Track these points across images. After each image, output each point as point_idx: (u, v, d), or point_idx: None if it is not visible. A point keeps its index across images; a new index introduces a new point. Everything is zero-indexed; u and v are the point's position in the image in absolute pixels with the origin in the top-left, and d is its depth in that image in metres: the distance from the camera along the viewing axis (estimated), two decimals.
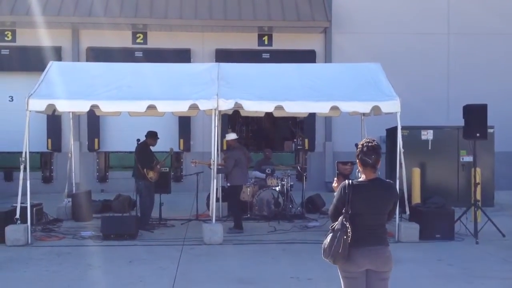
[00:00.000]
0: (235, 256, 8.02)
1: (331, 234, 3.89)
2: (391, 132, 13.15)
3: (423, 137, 12.68)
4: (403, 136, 12.59)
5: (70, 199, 11.58)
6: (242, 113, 11.53)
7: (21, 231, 8.72)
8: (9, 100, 17.07)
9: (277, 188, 11.55)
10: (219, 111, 9.16)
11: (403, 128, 12.59)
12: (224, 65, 10.09)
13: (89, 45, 16.82)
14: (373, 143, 3.97)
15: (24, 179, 8.94)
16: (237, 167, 9.73)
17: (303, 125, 17.66)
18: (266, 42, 17.09)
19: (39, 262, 7.62)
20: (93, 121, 16.64)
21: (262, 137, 19.76)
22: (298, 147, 17.80)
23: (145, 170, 9.83)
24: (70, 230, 9.98)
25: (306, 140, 17.44)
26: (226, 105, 8.93)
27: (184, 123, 16.54)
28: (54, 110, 9.87)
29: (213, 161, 8.96)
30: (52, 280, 6.62)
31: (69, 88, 9.22)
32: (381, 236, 3.97)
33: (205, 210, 11.54)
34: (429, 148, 12.53)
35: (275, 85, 9.51)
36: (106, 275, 6.88)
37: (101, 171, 17.14)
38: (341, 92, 9.20)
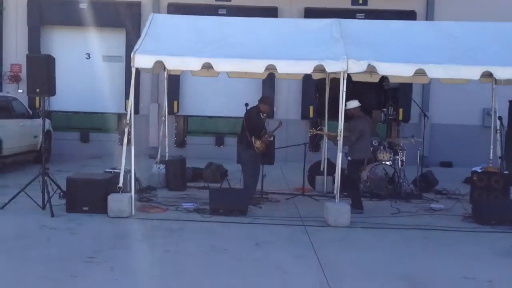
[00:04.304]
0: (374, 243, 6.90)
1: None
2: None
3: None
4: None
5: (162, 166, 10.70)
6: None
7: (125, 201, 7.85)
8: (86, 58, 16.31)
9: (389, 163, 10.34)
10: (346, 74, 7.85)
11: None
12: (346, 22, 8.84)
13: (170, 0, 15.80)
14: None
15: (130, 143, 8.01)
16: (360, 139, 8.54)
17: (397, 94, 16.23)
18: (360, 1, 15.66)
19: (154, 239, 6.72)
20: (172, 82, 15.66)
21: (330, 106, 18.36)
22: (390, 117, 16.43)
23: (252, 138, 8.76)
24: (168, 201, 9.12)
25: (401, 110, 16.06)
26: (358, 67, 7.68)
27: (268, 87, 15.40)
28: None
29: (340, 131, 7.78)
30: (181, 265, 5.66)
31: (176, 44, 8.19)
32: None
33: (302, 184, 10.49)
34: None
35: (410, 45, 8.19)
36: (238, 262, 5.88)
37: (180, 136, 16.31)
38: (492, 55, 7.82)
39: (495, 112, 10.07)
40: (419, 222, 8.13)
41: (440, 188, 11.03)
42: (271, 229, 7.42)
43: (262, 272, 5.54)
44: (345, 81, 7.70)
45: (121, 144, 16.19)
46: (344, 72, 7.69)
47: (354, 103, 8.66)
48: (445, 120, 15.56)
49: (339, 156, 7.84)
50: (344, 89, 7.73)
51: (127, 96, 15.95)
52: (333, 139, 8.42)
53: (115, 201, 7.81)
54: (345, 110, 8.05)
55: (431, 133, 15.47)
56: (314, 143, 14.30)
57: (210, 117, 16.32)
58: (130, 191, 8.12)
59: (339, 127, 7.78)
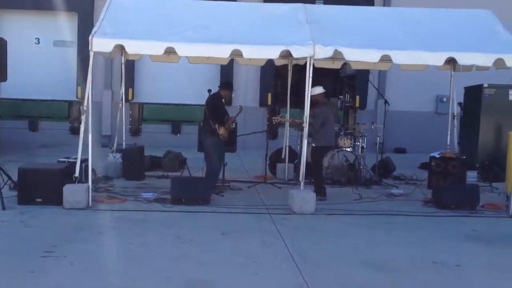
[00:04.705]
0: (341, 230, 6.84)
1: None
2: (472, 91, 11.91)
3: (511, 97, 11.39)
4: (487, 95, 11.46)
5: (118, 155, 10.33)
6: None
7: (82, 192, 7.50)
8: (36, 43, 15.58)
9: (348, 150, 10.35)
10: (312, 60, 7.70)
11: (489, 86, 11.45)
12: (311, 6, 8.74)
13: None
14: None
15: (86, 131, 7.64)
16: (324, 126, 8.46)
17: (354, 81, 16.33)
18: None
19: (116, 231, 6.42)
20: (126, 68, 15.21)
21: (300, 93, 18.36)
22: (347, 104, 16.53)
23: (216, 125, 8.55)
24: (127, 191, 8.80)
25: (357, 97, 16.18)
26: (324, 53, 7.58)
27: (226, 74, 15.17)
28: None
29: (306, 118, 7.67)
30: (147, 258, 5.41)
31: (137, 27, 7.85)
32: None
33: (262, 172, 10.40)
34: None
35: (375, 31, 8.16)
36: (206, 253, 5.67)
37: (134, 124, 15.88)
38: (455, 41, 7.88)
39: (453, 99, 10.24)
40: (382, 208, 8.18)
41: (398, 174, 11.17)
42: (237, 218, 7.25)
43: (232, 263, 5.36)
44: (311, 67, 7.58)
45: (72, 132, 15.76)
46: (310, 58, 7.56)
47: (318, 89, 8.57)
48: (399, 107, 15.75)
49: (305, 142, 7.73)
50: (311, 75, 7.61)
51: (78, 83, 15.45)
52: (299, 126, 8.30)
53: (71, 192, 7.45)
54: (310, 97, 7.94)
55: (386, 119, 15.64)
56: (272, 131, 14.23)
57: (167, 104, 15.98)
58: (86, 181, 7.77)
59: (305, 114, 7.66)
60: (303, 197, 7.59)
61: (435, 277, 5.11)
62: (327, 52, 7.55)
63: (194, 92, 15.14)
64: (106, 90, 15.62)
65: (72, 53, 15.41)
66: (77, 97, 15.31)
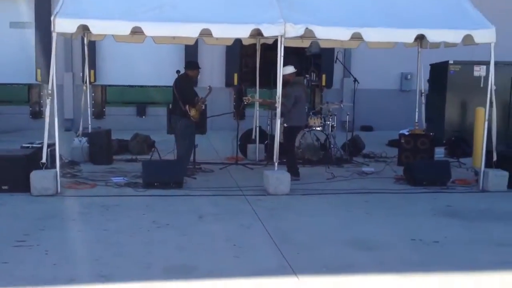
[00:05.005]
0: (318, 210, 6.84)
1: None
2: (438, 68, 12.05)
3: (476, 74, 11.56)
4: (453, 71, 11.61)
5: (84, 139, 10.05)
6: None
7: (50, 178, 7.25)
8: None
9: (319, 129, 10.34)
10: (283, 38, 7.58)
11: (454, 63, 11.59)
12: None
13: None
14: None
15: (52, 115, 7.35)
16: (296, 106, 8.39)
17: (320, 60, 16.30)
18: None
19: (89, 218, 6.23)
20: (88, 49, 14.79)
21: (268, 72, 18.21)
22: (313, 83, 16.51)
23: (187, 107, 8.38)
24: (95, 176, 8.59)
25: (324, 76, 16.18)
26: (295, 31, 7.46)
27: (191, 54, 14.91)
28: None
29: (279, 97, 7.58)
30: (124, 245, 5.27)
31: (102, 6, 7.51)
32: None
33: (232, 153, 10.34)
34: (481, 85, 11.37)
35: (344, 8, 8.05)
36: (185, 237, 5.57)
37: (97, 107, 15.48)
38: (424, 18, 7.88)
39: (420, 76, 10.32)
40: (355, 186, 8.23)
41: (368, 151, 11.26)
42: (212, 201, 7.16)
43: (212, 247, 5.27)
44: (282, 46, 7.47)
45: (33, 117, 15.25)
46: (281, 37, 7.45)
47: (289, 69, 8.47)
48: (365, 85, 15.81)
49: (278, 123, 7.65)
50: (282, 54, 7.51)
51: (38, 65, 14.92)
52: (270, 106, 8.21)
53: (38, 178, 7.20)
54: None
55: (351, 98, 15.74)
56: (240, 111, 14.12)
57: (131, 86, 15.61)
58: (53, 167, 7.51)
59: (277, 93, 7.57)
60: (278, 177, 7.54)
61: (416, 254, 5.15)
62: (298, 30, 7.45)
63: (159, 73, 14.86)
64: (67, 73, 15.16)
65: (30, 34, 14.82)
66: (36, 79, 14.79)
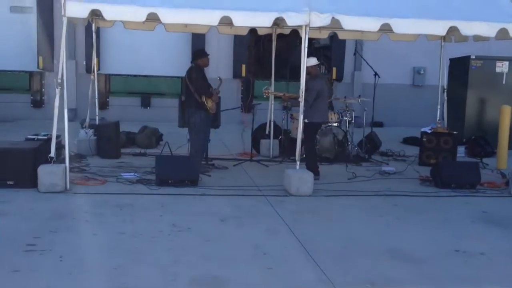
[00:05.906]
0: (345, 214, 6.42)
1: None
2: (459, 63, 11.61)
3: (498, 70, 11.14)
4: (474, 67, 11.17)
5: (90, 131, 9.60)
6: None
7: (59, 173, 6.79)
8: None
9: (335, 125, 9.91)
10: (308, 28, 7.11)
11: (476, 58, 11.16)
12: None
13: None
14: None
15: (61, 106, 6.89)
16: (318, 100, 7.95)
17: (330, 52, 15.85)
18: None
19: (103, 219, 5.79)
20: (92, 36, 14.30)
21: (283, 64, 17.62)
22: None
23: (203, 98, 7.93)
24: (104, 171, 8.14)
25: (334, 69, 15.72)
26: (321, 21, 6.99)
27: (197, 44, 14.40)
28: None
29: (302, 91, 7.13)
30: (144, 251, 4.82)
31: None
32: None
33: (243, 148, 10.05)
34: (503, 82, 10.95)
35: None
36: (208, 243, 5.14)
37: (101, 97, 14.93)
38: (456, 10, 7.44)
39: (443, 71, 9.89)
40: (379, 188, 7.82)
41: (385, 149, 10.85)
42: (231, 201, 6.72)
43: (241, 256, 4.83)
44: (307, 36, 7.02)
45: (34, 106, 14.73)
46: (306, 26, 6.99)
47: (312, 60, 7.99)
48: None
49: (301, 118, 7.22)
50: (306, 45, 7.06)
51: (40, 52, 14.38)
52: (291, 100, 7.77)
53: (46, 174, 6.75)
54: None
55: (363, 92, 15.29)
56: (247, 104, 13.71)
57: (135, 76, 15.10)
58: (63, 162, 7.06)
59: (301, 87, 7.12)
60: (301, 177, 7.11)
61: (464, 268, 4.74)
62: (324, 20, 6.98)
63: (165, 62, 14.36)
64: (69, 60, 14.59)
65: (31, 19, 14.27)
66: (38, 67, 14.27)
